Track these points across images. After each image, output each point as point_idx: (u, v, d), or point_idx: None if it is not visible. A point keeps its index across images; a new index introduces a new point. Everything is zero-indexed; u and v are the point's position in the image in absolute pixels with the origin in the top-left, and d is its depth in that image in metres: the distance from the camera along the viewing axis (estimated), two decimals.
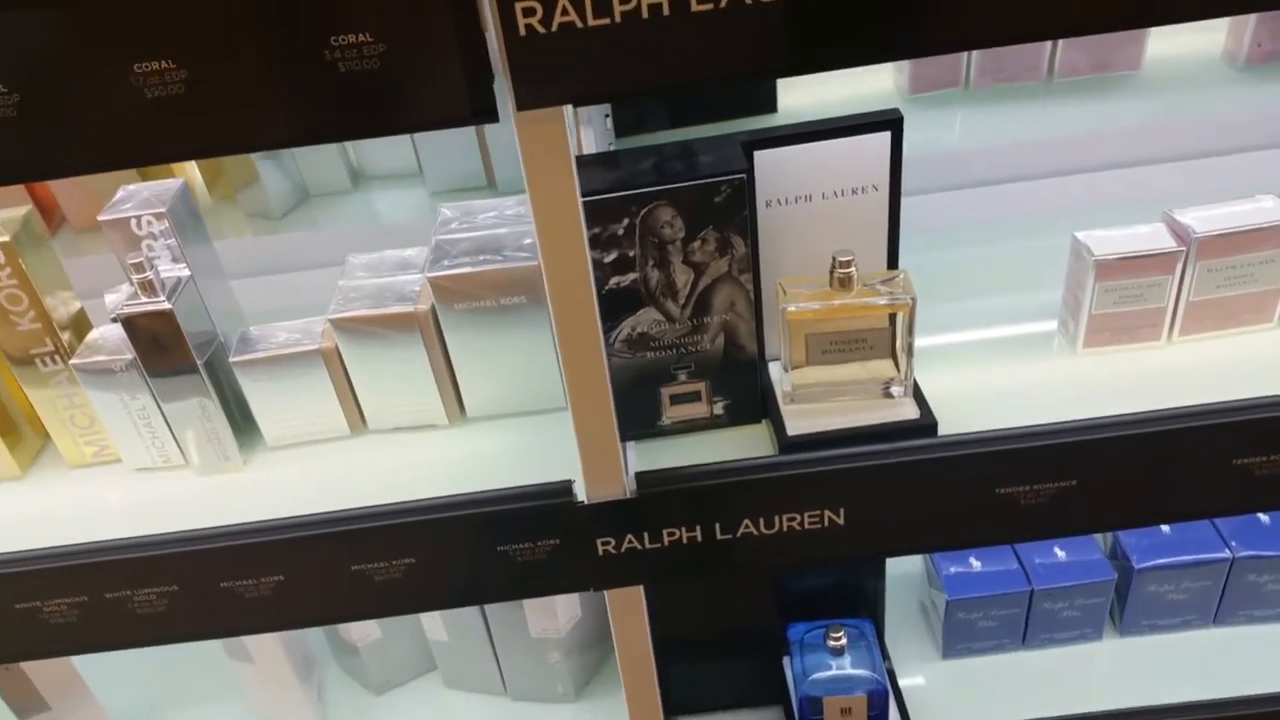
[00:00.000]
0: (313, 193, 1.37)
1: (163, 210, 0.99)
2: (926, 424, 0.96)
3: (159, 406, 1.02)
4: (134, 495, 1.06)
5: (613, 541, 0.95)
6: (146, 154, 0.71)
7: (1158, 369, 1.02)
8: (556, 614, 1.25)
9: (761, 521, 0.95)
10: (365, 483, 1.02)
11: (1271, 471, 0.94)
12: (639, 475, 0.94)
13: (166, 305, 0.96)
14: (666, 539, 0.95)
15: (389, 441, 1.07)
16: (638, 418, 1.01)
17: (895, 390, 0.98)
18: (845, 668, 1.21)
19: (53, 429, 1.08)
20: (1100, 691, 1.29)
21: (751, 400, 1.02)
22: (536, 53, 0.67)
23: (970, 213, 1.27)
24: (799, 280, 0.96)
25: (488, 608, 1.27)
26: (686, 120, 1.28)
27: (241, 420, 1.07)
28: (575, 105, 0.71)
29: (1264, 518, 1.30)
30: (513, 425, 1.07)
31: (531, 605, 1.23)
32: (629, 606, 1.02)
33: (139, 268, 0.95)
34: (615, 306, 0.94)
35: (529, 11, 0.65)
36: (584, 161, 0.93)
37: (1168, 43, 1.30)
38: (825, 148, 0.93)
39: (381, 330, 1.01)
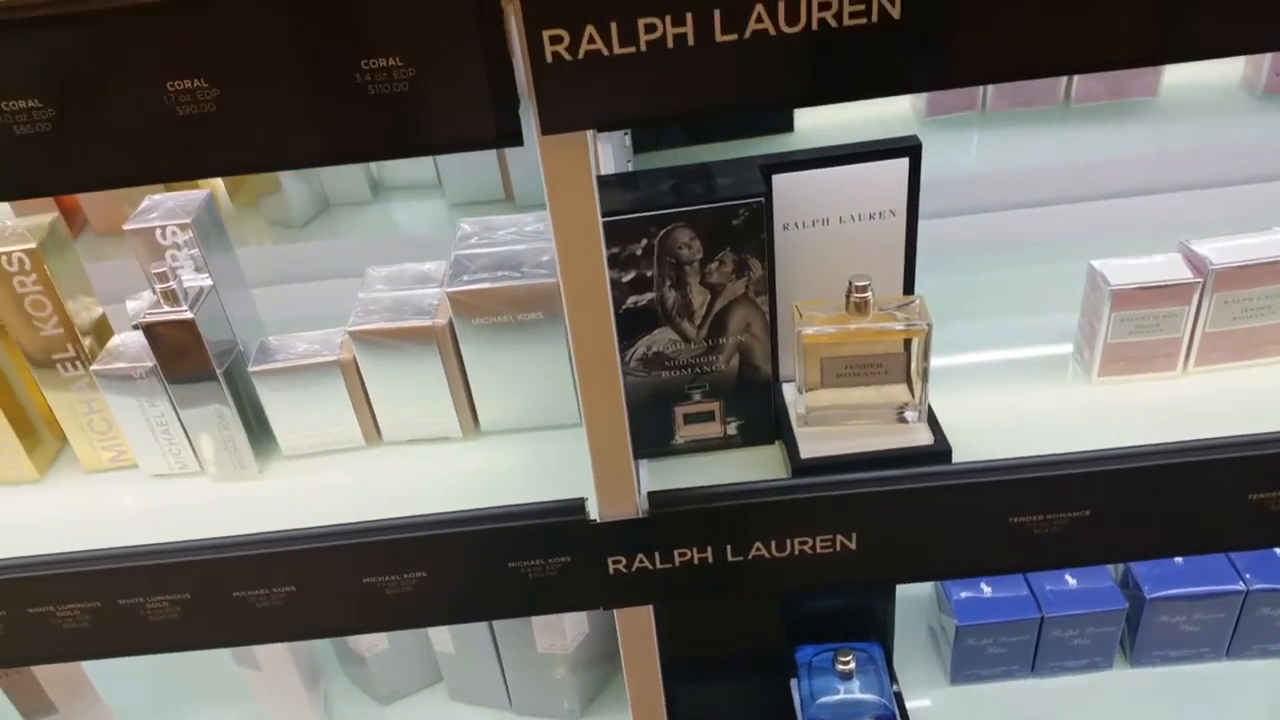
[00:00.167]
0: (333, 202, 1.39)
1: (187, 221, 1.00)
2: (941, 450, 0.96)
3: (177, 413, 1.03)
4: (149, 501, 1.07)
5: (624, 560, 0.95)
6: (176, 170, 0.72)
7: (1173, 399, 1.02)
8: (564, 630, 1.25)
9: (773, 544, 0.95)
10: (379, 494, 1.03)
11: None
12: (651, 495, 0.94)
13: (189, 314, 0.97)
14: (678, 559, 0.96)
15: (403, 453, 1.08)
16: (651, 436, 1.02)
17: (910, 415, 0.98)
18: (853, 692, 1.21)
19: (71, 433, 1.09)
20: None
21: (765, 421, 1.02)
22: (562, 79, 0.68)
23: (986, 237, 1.27)
24: (815, 303, 0.96)
25: (496, 622, 1.27)
26: (704, 138, 1.29)
27: (258, 428, 1.07)
28: (599, 130, 0.72)
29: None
30: (526, 440, 1.07)
31: (539, 620, 1.24)
32: (638, 626, 1.03)
33: (162, 277, 0.96)
34: (632, 325, 0.95)
35: (556, 39, 0.66)
36: (604, 182, 0.94)
37: (1185, 70, 1.31)
38: (844, 173, 0.94)
39: (399, 343, 1.02)
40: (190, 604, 0.97)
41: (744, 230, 0.90)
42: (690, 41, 0.67)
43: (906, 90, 0.71)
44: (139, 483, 1.09)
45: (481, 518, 0.94)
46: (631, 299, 0.93)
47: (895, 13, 0.66)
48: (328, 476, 1.06)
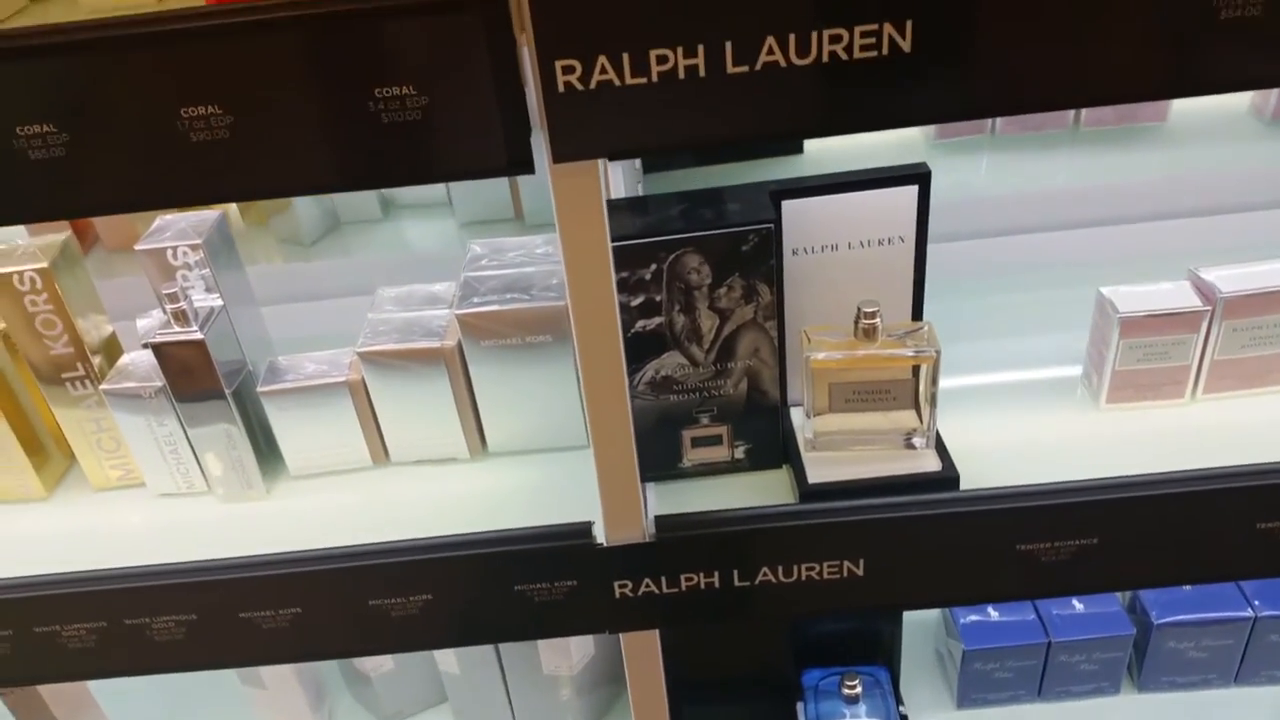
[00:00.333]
0: (344, 220, 1.39)
1: (199, 242, 1.00)
2: (948, 477, 0.96)
3: (185, 433, 1.03)
4: (157, 521, 1.07)
5: (630, 584, 0.95)
6: (189, 196, 0.72)
7: (1181, 427, 1.01)
8: (569, 651, 1.24)
9: (780, 570, 0.95)
10: (386, 515, 1.03)
11: None
12: (659, 519, 0.94)
13: (198, 335, 0.97)
14: (684, 584, 0.95)
15: (411, 474, 1.08)
16: (658, 459, 1.02)
17: (917, 441, 0.98)
18: (859, 716, 1.20)
19: (79, 451, 1.09)
20: None
21: (773, 445, 1.02)
22: (574, 109, 0.68)
23: (995, 260, 1.27)
24: (824, 329, 0.96)
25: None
26: (713, 159, 1.30)
27: (266, 448, 1.08)
28: (610, 159, 0.72)
29: None
30: (534, 461, 1.08)
31: (545, 642, 1.23)
32: (644, 649, 1.02)
33: (173, 298, 0.96)
34: (640, 349, 0.95)
35: (568, 69, 0.66)
36: (614, 206, 0.94)
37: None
38: (853, 199, 0.94)
39: (408, 364, 1.02)
40: (196, 625, 0.97)
41: (753, 256, 0.91)
42: (701, 73, 0.67)
43: (916, 122, 0.71)
44: (146, 502, 1.09)
45: (488, 540, 0.94)
46: (640, 323, 0.93)
47: (905, 46, 0.66)
48: (335, 497, 1.06)
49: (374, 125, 0.68)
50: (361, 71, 0.67)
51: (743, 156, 1.30)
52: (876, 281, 0.99)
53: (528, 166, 0.71)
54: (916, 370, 0.94)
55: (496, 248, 1.09)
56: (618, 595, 0.96)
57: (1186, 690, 1.32)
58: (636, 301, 0.92)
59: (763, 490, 1.02)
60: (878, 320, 0.93)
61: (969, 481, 0.96)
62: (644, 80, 0.67)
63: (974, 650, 1.28)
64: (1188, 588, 1.28)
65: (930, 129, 1.32)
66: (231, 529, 1.04)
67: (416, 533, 0.96)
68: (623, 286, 0.91)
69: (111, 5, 0.75)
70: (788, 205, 0.94)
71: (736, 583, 0.96)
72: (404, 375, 1.03)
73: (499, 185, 1.32)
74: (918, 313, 1.01)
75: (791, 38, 0.66)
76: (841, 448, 0.99)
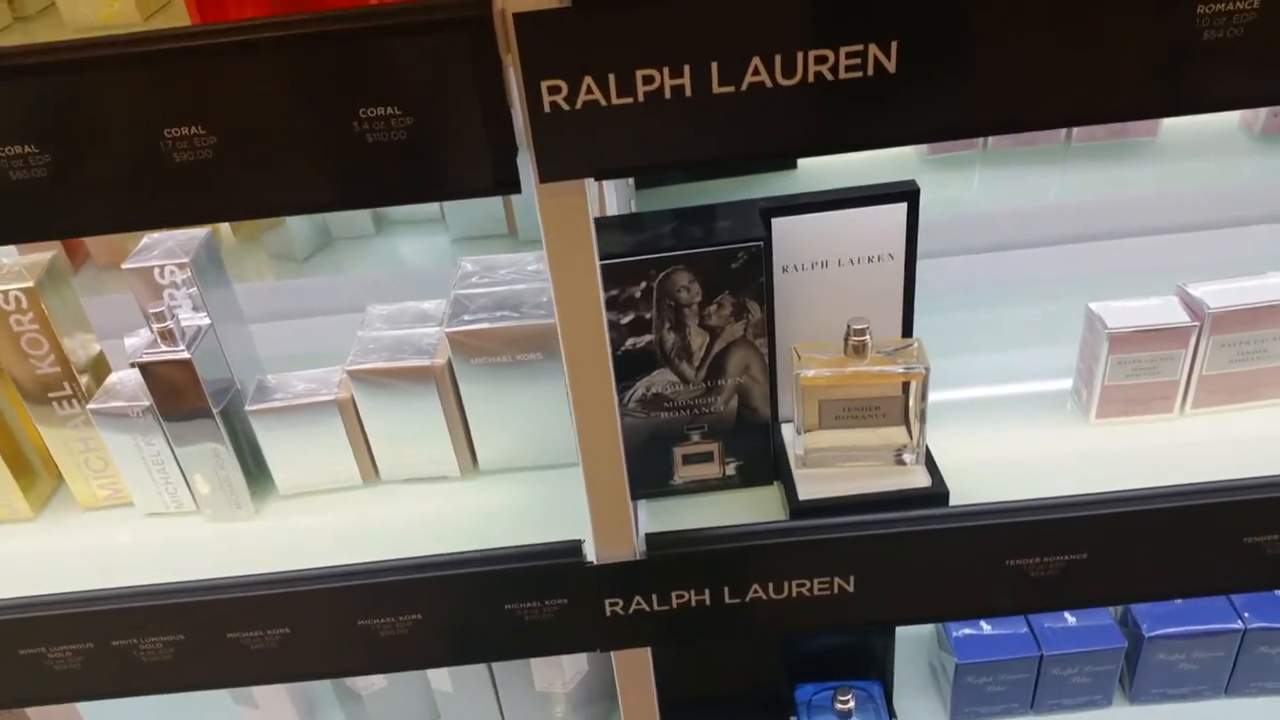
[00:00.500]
0: (336, 236, 1.39)
1: (186, 261, 1.00)
2: (938, 493, 0.96)
3: (173, 452, 1.03)
4: (145, 540, 1.06)
5: (621, 603, 0.95)
6: (172, 217, 0.72)
7: (1170, 442, 1.02)
8: (562, 668, 1.24)
9: (771, 587, 0.94)
10: (376, 534, 1.03)
11: None
12: (649, 537, 0.94)
13: (185, 354, 0.97)
14: (675, 602, 0.95)
15: (401, 492, 1.08)
16: (650, 476, 1.02)
17: (907, 457, 0.98)
18: None
19: (67, 471, 1.08)
20: None
21: (764, 462, 1.02)
22: (560, 129, 0.68)
23: (985, 276, 1.27)
24: (814, 346, 0.96)
25: None
26: (705, 175, 1.30)
27: (254, 467, 1.07)
28: (597, 179, 0.72)
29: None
30: (525, 479, 1.07)
31: (537, 660, 1.23)
32: (635, 667, 1.02)
33: (160, 317, 0.96)
34: (631, 367, 0.95)
35: (554, 89, 0.66)
36: (604, 224, 0.94)
37: None
38: (842, 217, 0.94)
39: (398, 382, 1.02)
40: (184, 645, 0.97)
41: (743, 273, 0.91)
42: (688, 93, 0.67)
43: (902, 143, 0.71)
44: (134, 521, 1.08)
45: (477, 559, 0.94)
46: (630, 340, 0.93)
47: (891, 67, 0.66)
48: (324, 516, 1.06)
49: (359, 145, 0.68)
50: (346, 92, 0.67)
51: (736, 173, 1.30)
52: (866, 298, 0.99)
53: (514, 186, 0.71)
54: (906, 387, 0.94)
55: (487, 265, 1.09)
56: (608, 613, 0.96)
57: (1178, 702, 1.32)
58: (627, 319, 0.92)
59: (754, 507, 1.02)
60: (867, 337, 0.93)
61: (959, 497, 0.96)
62: (630, 100, 0.67)
63: (967, 664, 1.28)
64: (1178, 600, 1.28)
65: (923, 145, 1.32)
66: (220, 549, 1.04)
67: (407, 552, 0.95)
68: (613, 304, 0.90)
69: (99, 24, 0.75)
70: (778, 223, 0.94)
71: (727, 600, 0.95)
72: (394, 393, 1.02)
73: (492, 201, 1.32)
74: (908, 329, 1.02)
75: (777, 58, 0.66)
76: (832, 464, 0.99)
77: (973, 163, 1.33)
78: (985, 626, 1.31)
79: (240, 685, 1.16)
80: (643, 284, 0.91)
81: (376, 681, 1.32)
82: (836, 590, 0.95)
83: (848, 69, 0.66)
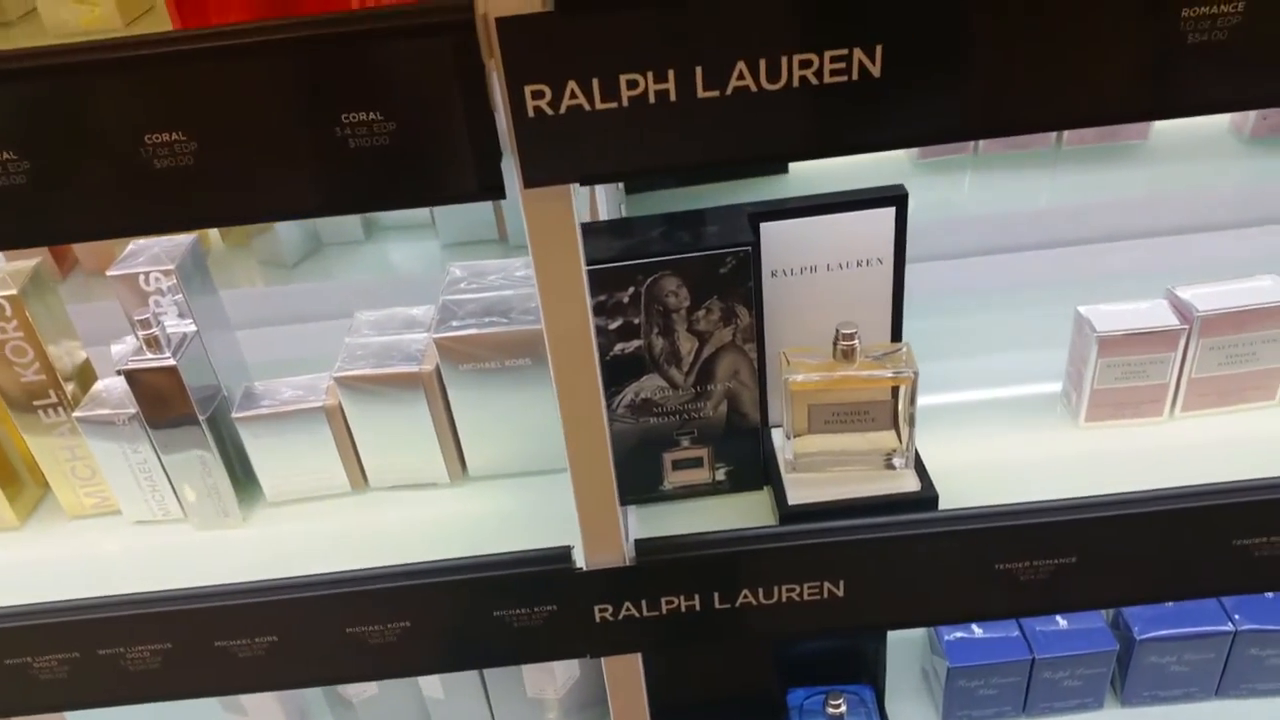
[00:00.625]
0: (325, 242, 1.38)
1: (171, 267, 1.00)
2: (927, 497, 0.96)
3: (160, 460, 1.02)
4: (132, 549, 1.06)
5: (610, 609, 0.95)
6: (154, 223, 0.72)
7: (1159, 445, 1.02)
8: (554, 674, 1.23)
9: (761, 592, 0.94)
10: (364, 541, 1.02)
11: (1272, 553, 0.93)
12: (638, 543, 0.93)
13: (171, 361, 0.96)
14: (665, 607, 0.95)
15: (390, 499, 1.07)
16: (639, 482, 1.01)
17: (897, 462, 0.98)
18: None
19: (53, 479, 1.08)
20: None
21: (753, 467, 1.02)
22: (544, 134, 0.68)
23: (975, 279, 1.27)
24: (802, 350, 0.96)
25: None
26: (697, 180, 1.29)
27: (242, 474, 1.07)
28: (582, 184, 0.72)
29: None
30: (514, 485, 1.07)
31: (529, 665, 1.22)
32: (626, 673, 1.02)
33: (145, 324, 0.95)
34: (619, 373, 0.94)
35: (538, 94, 0.66)
36: (592, 229, 0.94)
37: None
38: (831, 221, 0.94)
39: (386, 389, 1.01)
40: (171, 654, 0.96)
41: (731, 278, 0.90)
42: (672, 97, 0.67)
43: (889, 147, 0.71)
44: (122, 529, 1.08)
45: (466, 566, 0.93)
46: (619, 346, 0.93)
47: (875, 71, 0.66)
48: (312, 524, 1.05)
49: (342, 151, 0.68)
50: (328, 97, 0.66)
51: (726, 177, 1.30)
52: (855, 303, 0.98)
53: (498, 191, 0.71)
54: (895, 391, 0.94)
55: (476, 271, 1.08)
56: (598, 620, 0.95)
57: (1169, 704, 1.32)
58: (615, 325, 0.92)
59: (744, 512, 1.01)
60: (856, 342, 0.93)
61: (948, 501, 0.96)
62: (615, 105, 0.67)
63: (958, 667, 1.28)
64: (1169, 603, 1.28)
65: (914, 148, 1.32)
66: (207, 556, 1.03)
67: (396, 559, 0.95)
68: (601, 309, 0.90)
69: (80, 29, 0.75)
70: (766, 227, 0.94)
71: (717, 605, 0.95)
72: (382, 400, 1.02)
73: (483, 207, 1.32)
74: (896, 334, 1.01)
75: (762, 63, 0.66)
76: (821, 469, 0.99)
77: (963, 166, 1.33)
78: (977, 630, 1.31)
79: (228, 694, 1.16)
80: (631, 289, 0.90)
81: (368, 688, 1.31)
82: (827, 595, 0.94)
83: (832, 73, 0.66)
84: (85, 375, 1.07)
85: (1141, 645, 1.27)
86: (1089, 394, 1.02)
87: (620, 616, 0.95)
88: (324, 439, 1.03)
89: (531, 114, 0.67)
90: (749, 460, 1.01)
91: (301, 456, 1.04)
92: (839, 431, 0.97)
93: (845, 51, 0.65)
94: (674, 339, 0.93)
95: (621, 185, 1.23)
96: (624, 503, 0.93)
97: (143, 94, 0.67)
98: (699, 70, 0.66)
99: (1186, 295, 1.00)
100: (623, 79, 0.66)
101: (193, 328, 1.00)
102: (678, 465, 1.01)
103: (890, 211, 0.93)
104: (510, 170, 0.71)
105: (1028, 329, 1.18)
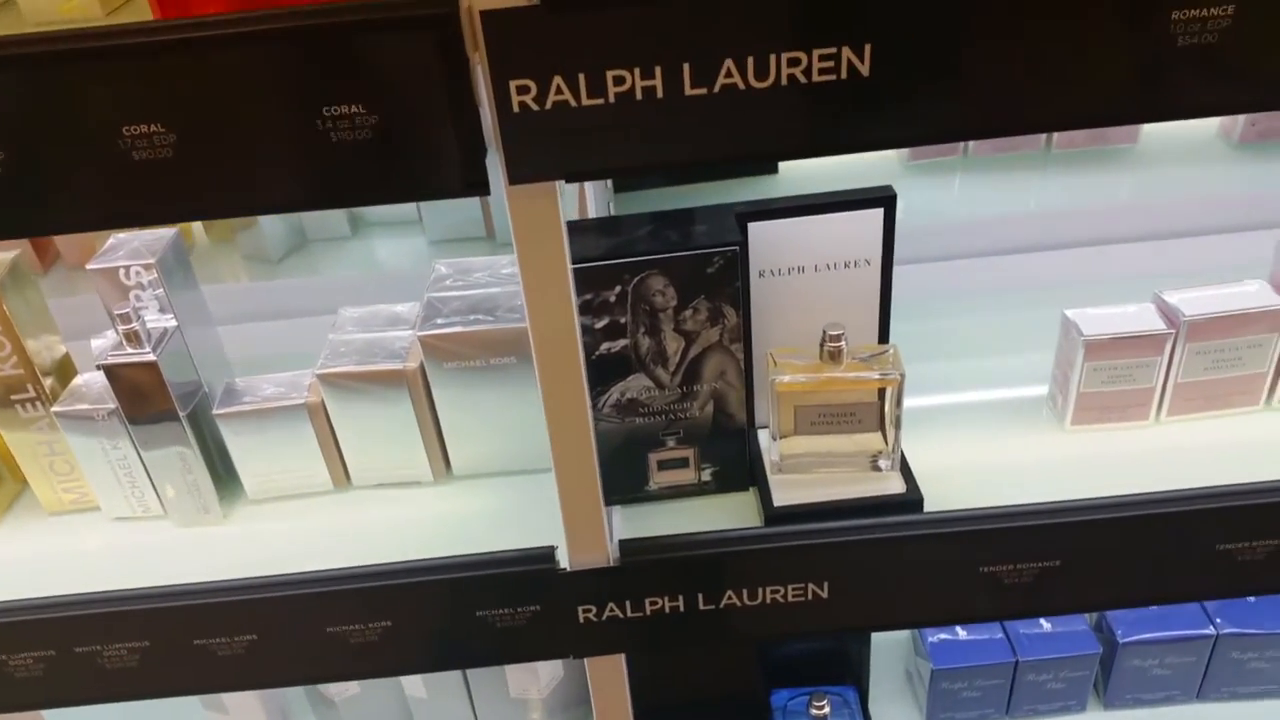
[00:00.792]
0: (311, 237, 1.37)
1: (152, 261, 0.98)
2: (913, 499, 0.95)
3: (139, 455, 1.01)
4: (111, 545, 1.05)
5: (594, 609, 0.94)
6: (132, 216, 0.71)
7: (1145, 449, 1.01)
8: (538, 674, 1.23)
9: (745, 593, 0.94)
10: (346, 539, 1.01)
11: (1253, 557, 0.93)
12: (623, 543, 0.93)
13: (151, 356, 0.95)
14: (649, 608, 0.94)
15: (373, 497, 1.06)
16: (625, 482, 1.01)
17: (882, 464, 0.97)
18: None
19: (31, 475, 1.06)
20: None
21: (739, 468, 1.01)
22: (530, 129, 0.67)
23: (965, 282, 1.27)
24: (789, 351, 0.96)
25: None
26: (686, 179, 1.29)
27: (223, 471, 1.05)
28: (567, 181, 0.71)
29: None
30: (499, 484, 1.06)
31: (512, 665, 1.21)
32: (609, 674, 1.01)
33: (125, 318, 0.94)
34: (605, 372, 0.94)
35: (523, 89, 0.65)
36: (580, 227, 0.93)
37: None
38: (819, 222, 0.94)
39: (369, 386, 1.00)
40: (150, 652, 0.95)
41: (718, 278, 0.90)
42: (659, 94, 0.66)
43: (877, 147, 0.71)
44: (101, 526, 1.06)
45: (449, 566, 0.93)
46: (605, 345, 0.92)
47: (864, 69, 0.65)
48: (294, 521, 1.04)
49: (323, 144, 0.67)
50: (309, 89, 0.65)
51: (716, 176, 1.29)
52: (843, 304, 0.98)
53: (483, 188, 0.70)
54: (882, 393, 0.93)
55: (462, 268, 1.08)
56: (581, 620, 0.95)
57: (1151, 707, 1.32)
58: (601, 324, 0.91)
59: (729, 513, 1.01)
60: (843, 343, 0.92)
61: (933, 503, 0.95)
62: (601, 101, 0.66)
63: (942, 669, 1.28)
64: (1151, 607, 1.29)
65: (904, 150, 1.32)
66: (187, 554, 1.02)
67: (378, 558, 0.94)
68: (587, 309, 0.90)
69: (59, 18, 0.74)
70: (754, 227, 0.94)
71: (702, 606, 0.94)
72: (365, 397, 1.01)
73: (469, 203, 1.31)
74: (884, 335, 1.01)
75: (750, 60, 0.65)
76: (807, 470, 0.99)
77: (953, 168, 1.33)
78: (961, 632, 1.31)
79: (207, 692, 1.14)
80: (617, 288, 0.90)
81: (349, 687, 1.30)
82: (811, 596, 0.94)
83: (821, 71, 0.65)
84: (65, 370, 1.06)
85: (1124, 648, 1.27)
86: (1075, 397, 1.02)
87: (604, 617, 0.95)
88: (306, 436, 1.02)
89: (516, 109, 0.66)
90: (735, 461, 1.01)
91: (283, 454, 1.03)
92: (825, 433, 0.96)
93: (834, 50, 0.65)
94: (660, 339, 0.93)
95: (610, 183, 1.22)
96: (609, 503, 0.92)
97: (122, 84, 0.66)
98: (686, 67, 0.66)
99: (1173, 299, 1.00)
100: (609, 75, 0.66)
101: (173, 323, 0.99)
102: (663, 465, 1.01)
103: (879, 213, 0.93)
104: (495, 166, 0.71)
105: (1014, 332, 1.18)
